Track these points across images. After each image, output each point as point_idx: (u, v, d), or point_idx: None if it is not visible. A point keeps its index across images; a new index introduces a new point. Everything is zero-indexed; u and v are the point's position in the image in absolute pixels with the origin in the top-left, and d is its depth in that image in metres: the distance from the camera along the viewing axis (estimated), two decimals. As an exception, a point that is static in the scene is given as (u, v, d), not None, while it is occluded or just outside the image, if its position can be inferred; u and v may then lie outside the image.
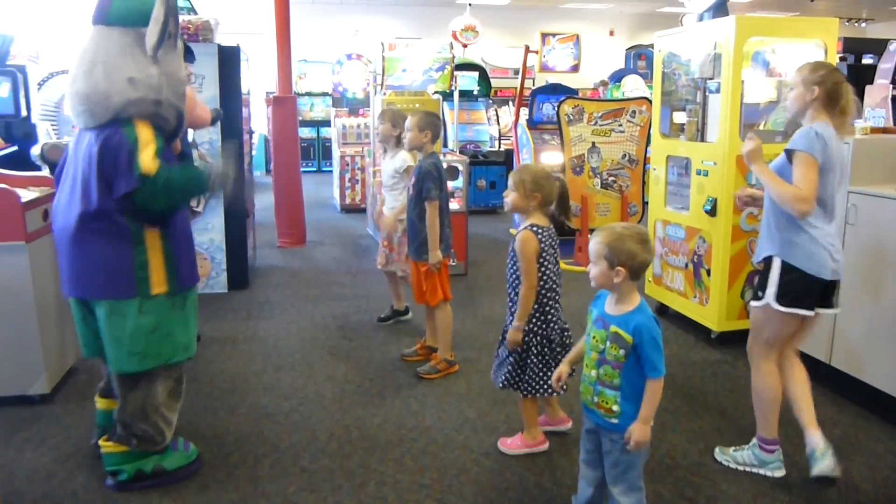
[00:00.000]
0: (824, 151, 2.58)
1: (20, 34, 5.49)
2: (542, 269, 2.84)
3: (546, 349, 2.88)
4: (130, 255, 2.53)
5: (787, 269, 2.68)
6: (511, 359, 2.93)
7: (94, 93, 2.49)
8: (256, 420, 3.30)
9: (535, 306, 2.87)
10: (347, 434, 3.18)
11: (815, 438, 2.77)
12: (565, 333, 2.96)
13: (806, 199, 2.57)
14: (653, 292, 4.92)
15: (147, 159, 2.44)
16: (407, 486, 2.76)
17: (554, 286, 2.88)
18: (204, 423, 3.26)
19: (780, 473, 2.86)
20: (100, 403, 2.92)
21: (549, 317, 2.88)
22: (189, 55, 3.13)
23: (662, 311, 4.86)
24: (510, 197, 2.86)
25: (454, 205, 5.92)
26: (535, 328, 2.88)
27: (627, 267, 2.13)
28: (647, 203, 5.48)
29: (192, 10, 5.82)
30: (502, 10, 14.56)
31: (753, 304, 2.81)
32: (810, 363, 3.71)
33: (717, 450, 3.02)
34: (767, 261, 2.75)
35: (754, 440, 2.92)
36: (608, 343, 2.19)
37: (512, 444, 3.06)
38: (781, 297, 2.69)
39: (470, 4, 13.01)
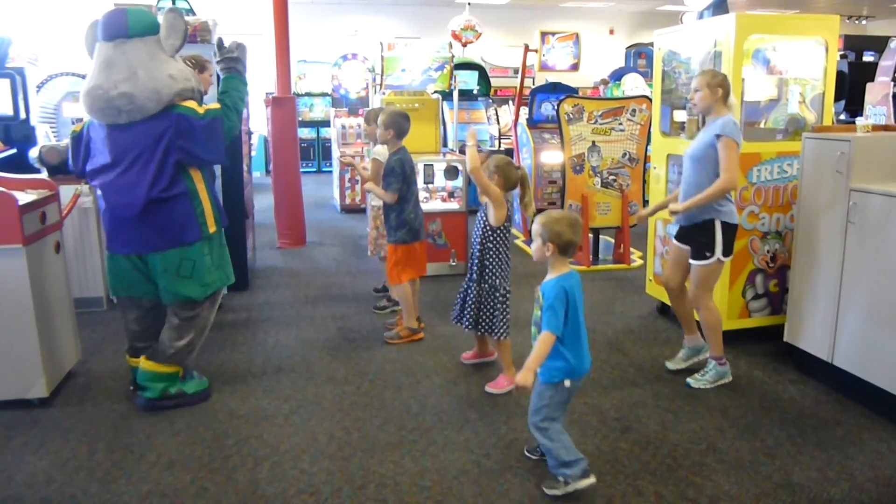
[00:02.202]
0: (739, 135, 3.47)
1: (19, 36, 5.48)
2: (508, 231, 3.59)
3: (508, 297, 3.63)
4: (192, 208, 3.26)
5: (725, 226, 3.49)
6: (484, 307, 3.62)
7: (144, 91, 3.07)
8: (256, 422, 3.29)
9: (505, 263, 3.60)
10: (347, 436, 3.17)
11: (699, 339, 3.86)
12: None
13: (735, 180, 3.45)
14: (654, 291, 4.90)
15: (207, 106, 3.26)
16: (407, 489, 2.75)
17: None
18: (203, 425, 3.25)
19: (730, 379, 3.69)
20: (132, 363, 3.48)
21: (508, 272, 3.64)
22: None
23: (664, 310, 4.84)
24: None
25: (454, 204, 5.93)
26: (505, 280, 3.62)
27: (556, 244, 2.58)
28: (647, 202, 5.46)
29: (190, 11, 5.81)
30: (501, 9, 14.54)
31: (702, 262, 3.53)
32: (813, 362, 3.71)
33: (689, 381, 3.67)
34: (707, 223, 3.49)
35: (711, 362, 3.68)
36: (536, 306, 2.66)
37: (499, 384, 3.61)
38: (726, 251, 3.52)
39: (469, 3, 12.98)
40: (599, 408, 3.44)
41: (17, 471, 2.86)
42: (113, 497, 2.68)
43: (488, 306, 3.61)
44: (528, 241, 7.02)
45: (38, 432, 3.18)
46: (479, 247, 3.61)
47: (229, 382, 3.73)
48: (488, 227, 3.56)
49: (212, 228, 3.35)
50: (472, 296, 3.67)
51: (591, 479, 2.66)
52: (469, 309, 3.68)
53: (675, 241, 3.79)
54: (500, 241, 3.58)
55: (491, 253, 3.58)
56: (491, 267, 3.58)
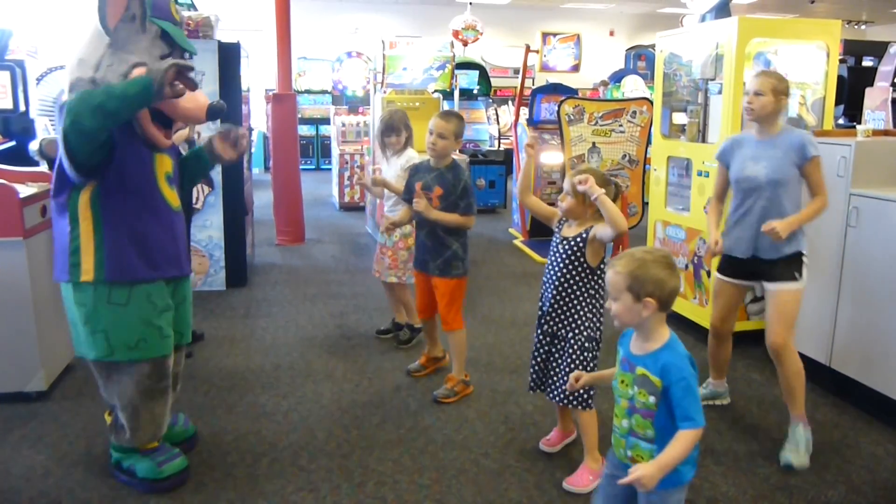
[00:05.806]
0: None
1: (19, 29, 5.46)
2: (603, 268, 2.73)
3: (598, 353, 2.80)
4: (67, 237, 2.49)
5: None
6: (569, 369, 2.71)
7: (65, 73, 2.54)
8: (254, 419, 3.29)
9: (598, 309, 2.74)
10: (346, 433, 3.17)
11: (724, 385, 3.56)
12: None
13: (828, 199, 3.04)
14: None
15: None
16: (406, 487, 2.75)
17: None
18: (201, 421, 3.24)
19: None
20: None
21: (602, 319, 2.78)
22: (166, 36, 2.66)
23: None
24: (566, 202, 2.66)
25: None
26: (599, 333, 2.78)
27: (657, 297, 1.83)
28: (647, 204, 5.46)
29: (192, 6, 5.80)
30: (503, 9, 14.55)
31: (795, 285, 3.01)
32: (811, 365, 3.71)
33: (791, 462, 2.92)
34: (796, 254, 3.02)
35: (798, 426, 3.01)
36: (636, 388, 1.89)
37: (581, 481, 2.74)
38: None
39: (470, 3, 12.99)
40: (598, 408, 3.43)
41: (14, 464, 2.86)
42: (111, 491, 2.68)
43: (581, 366, 2.74)
44: (527, 242, 7.04)
45: (36, 426, 3.17)
46: (566, 290, 2.74)
47: (227, 379, 3.73)
48: (585, 267, 2.69)
49: (85, 276, 2.46)
50: (564, 356, 2.78)
51: None
52: (561, 374, 2.79)
53: (725, 278, 3.23)
54: (599, 284, 2.73)
55: (584, 298, 2.73)
56: (585, 314, 2.74)
